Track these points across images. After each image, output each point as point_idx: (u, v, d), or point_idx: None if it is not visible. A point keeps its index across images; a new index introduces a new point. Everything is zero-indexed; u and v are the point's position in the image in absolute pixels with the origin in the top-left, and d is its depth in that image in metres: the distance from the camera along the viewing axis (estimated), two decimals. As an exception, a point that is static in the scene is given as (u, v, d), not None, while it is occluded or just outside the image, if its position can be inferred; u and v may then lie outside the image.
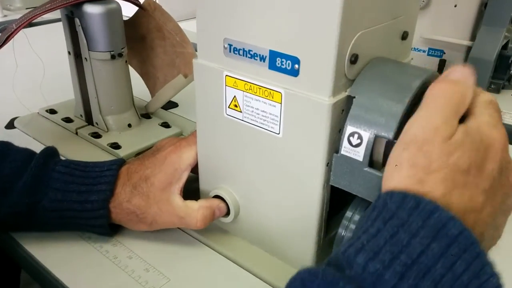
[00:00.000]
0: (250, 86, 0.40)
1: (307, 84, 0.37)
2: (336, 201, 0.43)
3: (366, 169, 0.36)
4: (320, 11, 0.34)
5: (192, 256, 0.47)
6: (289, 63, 0.37)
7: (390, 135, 0.35)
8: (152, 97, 0.77)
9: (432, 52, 0.95)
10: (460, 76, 0.33)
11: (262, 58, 0.39)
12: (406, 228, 0.27)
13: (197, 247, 0.49)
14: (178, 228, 0.50)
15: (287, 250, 0.46)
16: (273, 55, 0.38)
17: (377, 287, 0.26)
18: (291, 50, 0.37)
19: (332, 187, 0.40)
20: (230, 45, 0.40)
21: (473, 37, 0.89)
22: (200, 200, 0.47)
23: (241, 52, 0.40)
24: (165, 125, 0.72)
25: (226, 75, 0.42)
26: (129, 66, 0.73)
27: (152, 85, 0.78)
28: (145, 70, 0.78)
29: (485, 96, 0.33)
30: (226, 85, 0.42)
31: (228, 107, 0.43)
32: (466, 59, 0.89)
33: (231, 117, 0.43)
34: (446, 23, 0.92)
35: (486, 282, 0.27)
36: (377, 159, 0.37)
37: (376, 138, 0.36)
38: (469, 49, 0.88)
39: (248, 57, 0.40)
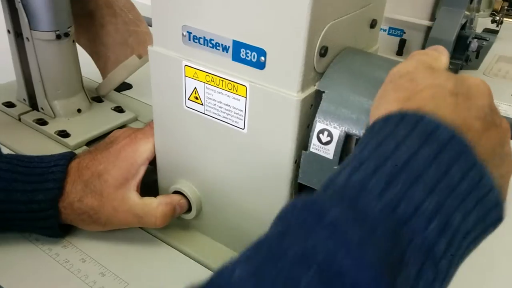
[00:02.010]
0: (212, 77, 0.37)
1: (274, 77, 0.34)
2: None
3: (336, 167, 0.35)
4: (288, 0, 0.31)
5: (151, 256, 0.44)
6: (254, 55, 0.34)
7: (361, 132, 0.33)
8: (103, 78, 0.72)
9: (392, 32, 0.94)
10: (435, 51, 0.32)
11: (225, 49, 0.36)
12: (392, 138, 0.25)
13: (157, 246, 0.46)
14: (135, 225, 0.47)
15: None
16: (237, 46, 0.35)
17: (360, 196, 0.24)
18: (257, 42, 0.34)
19: (300, 183, 0.38)
20: (190, 33, 0.37)
21: (433, 17, 0.89)
22: (159, 197, 0.44)
23: (201, 41, 0.37)
24: (119, 109, 0.68)
25: (186, 65, 0.38)
26: (77, 44, 0.67)
27: (103, 65, 0.73)
28: (95, 49, 0.72)
29: None
30: (185, 76, 0.39)
31: (188, 99, 0.40)
32: (426, 39, 0.89)
33: (192, 110, 0.40)
34: (406, 2, 0.91)
35: (487, 196, 0.24)
36: (347, 156, 0.36)
37: (347, 135, 0.34)
38: (429, 29, 0.88)
39: (210, 47, 0.36)
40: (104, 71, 0.73)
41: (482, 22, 1.16)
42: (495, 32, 1.11)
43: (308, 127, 0.36)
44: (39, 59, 0.60)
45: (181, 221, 0.47)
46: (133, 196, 0.43)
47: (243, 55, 0.35)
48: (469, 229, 0.24)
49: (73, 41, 0.62)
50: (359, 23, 0.39)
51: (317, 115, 0.34)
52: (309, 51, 0.33)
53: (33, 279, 0.41)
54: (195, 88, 0.39)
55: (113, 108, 0.68)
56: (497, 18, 1.15)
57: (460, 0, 0.83)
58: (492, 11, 1.28)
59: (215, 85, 0.37)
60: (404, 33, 0.93)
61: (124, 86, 0.76)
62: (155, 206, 0.42)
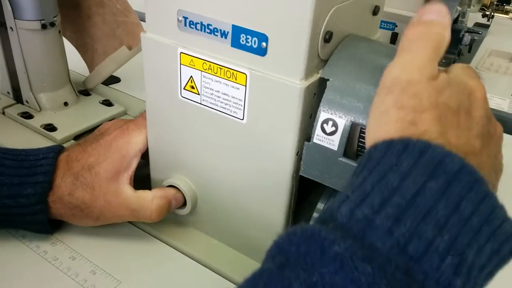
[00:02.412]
0: (210, 65, 0.35)
1: (276, 65, 0.33)
2: (303, 187, 0.40)
3: (341, 159, 0.33)
4: (293, -19, 0.29)
5: (144, 254, 0.43)
6: (255, 41, 0.33)
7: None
8: (90, 71, 0.70)
9: (384, 25, 0.93)
10: (434, 17, 0.29)
11: (224, 34, 0.34)
12: (395, 170, 0.23)
13: (150, 242, 0.44)
14: (127, 221, 0.45)
15: (250, 243, 0.42)
16: (237, 31, 0.33)
17: (367, 233, 0.22)
18: (258, 26, 0.32)
19: (302, 177, 0.37)
20: (186, 18, 0.35)
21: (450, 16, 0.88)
22: (154, 190, 0.42)
23: (198, 26, 0.35)
24: (107, 103, 0.65)
25: (181, 52, 0.36)
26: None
27: (90, 58, 0.71)
28: (81, 41, 0.70)
29: (458, 64, 0.31)
30: (181, 64, 0.37)
31: (184, 88, 0.38)
32: (418, 33, 0.88)
33: (187, 100, 0.38)
34: (398, -5, 0.90)
35: (499, 229, 0.23)
36: (352, 148, 0.34)
37: (353, 125, 0.32)
38: (421, 22, 0.87)
39: (207, 33, 0.35)
40: (91, 65, 0.71)
41: (472, 17, 1.16)
42: (486, 26, 1.11)
43: (311, 117, 0.35)
44: (24, 50, 0.57)
45: (175, 216, 0.45)
46: (127, 189, 0.41)
47: (243, 41, 0.33)
48: (484, 263, 0.23)
49: (59, 31, 0.60)
50: (363, 9, 0.37)
51: (321, 104, 0.33)
52: (314, 36, 0.31)
53: (20, 278, 0.39)
54: (191, 77, 0.37)
55: (101, 101, 0.65)
56: (488, 12, 1.15)
57: (454, -8, 0.83)
58: (482, 6, 1.28)
59: (213, 73, 0.35)
60: (396, 26, 0.92)
61: (112, 80, 0.74)
62: (150, 199, 0.41)
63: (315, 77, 0.33)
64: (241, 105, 0.35)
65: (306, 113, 0.34)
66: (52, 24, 0.57)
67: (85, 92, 0.67)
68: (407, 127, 0.25)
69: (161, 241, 0.44)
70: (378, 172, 0.24)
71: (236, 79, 0.35)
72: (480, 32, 0.89)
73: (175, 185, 0.43)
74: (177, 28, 0.36)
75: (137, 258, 0.42)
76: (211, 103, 0.37)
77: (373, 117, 0.28)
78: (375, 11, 0.39)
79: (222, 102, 0.36)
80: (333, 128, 0.33)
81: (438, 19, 0.28)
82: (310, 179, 0.35)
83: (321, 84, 0.34)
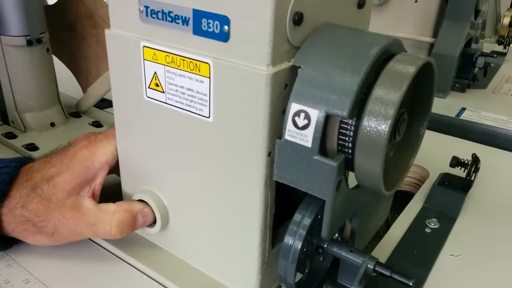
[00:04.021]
0: (173, 57, 0.32)
1: (239, 50, 0.29)
2: (286, 204, 0.35)
3: (316, 157, 0.29)
4: (252, -48, 0.26)
5: (108, 277, 0.38)
6: (217, 25, 0.29)
7: (344, 112, 0.27)
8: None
9: (393, 51, 0.90)
10: None
11: (185, 21, 0.31)
12: None
13: (115, 264, 0.39)
14: (90, 240, 0.40)
15: (226, 265, 0.37)
16: (198, 15, 0.30)
17: None
18: (219, 8, 0.29)
19: (279, 185, 0.32)
20: (147, 8, 0.32)
21: (435, 34, 0.85)
22: (118, 203, 0.38)
23: (159, 15, 0.32)
24: (97, 124, 0.63)
25: (144, 46, 0.33)
26: (55, 58, 0.64)
27: (84, 81, 0.69)
28: (76, 63, 0.68)
29: None
30: (144, 59, 0.34)
31: (149, 87, 0.34)
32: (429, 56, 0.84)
33: (153, 100, 0.35)
34: (407, 19, 0.87)
35: None
36: (330, 145, 0.30)
37: (328, 117, 0.28)
38: (431, 46, 0.83)
39: (169, 21, 0.31)
40: (85, 87, 0.69)
41: (489, 47, 1.11)
42: (503, 54, 1.06)
43: (284, 113, 0.30)
44: (9, 67, 0.56)
45: (144, 236, 0.40)
46: (87, 203, 0.37)
47: (204, 27, 0.30)
48: None
49: (48, 49, 0.58)
50: (343, -3, 0.34)
51: (291, 94, 0.29)
52: (279, 16, 0.27)
53: (-36, 301, 0.35)
54: (155, 73, 0.34)
55: (90, 123, 0.63)
56: (504, 40, 1.10)
57: (464, 13, 0.79)
58: (499, 37, 1.25)
59: (176, 66, 0.32)
60: (406, 51, 0.89)
61: (108, 104, 0.72)
62: (111, 212, 0.36)
63: (285, 65, 0.29)
64: (206, 101, 0.32)
65: (277, 107, 0.30)
66: (39, 41, 0.56)
67: (76, 114, 0.65)
68: None
69: (129, 264, 0.39)
70: None
71: (199, 71, 0.31)
72: (495, 56, 0.84)
73: (144, 199, 0.39)
74: (139, 20, 0.33)
75: (100, 282, 0.37)
76: (176, 101, 0.33)
77: None
78: (360, 3, 0.36)
79: (187, 99, 0.33)
80: (306, 121, 0.28)
81: None
82: (296, 193, 0.31)
83: (294, 74, 0.30)
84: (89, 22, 0.64)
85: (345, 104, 0.27)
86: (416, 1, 0.86)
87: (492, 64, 0.97)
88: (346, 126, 0.29)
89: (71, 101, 0.69)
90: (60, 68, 0.67)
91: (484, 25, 1.01)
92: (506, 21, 1.21)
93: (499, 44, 1.11)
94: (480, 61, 0.81)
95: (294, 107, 0.29)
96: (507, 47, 1.08)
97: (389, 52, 0.30)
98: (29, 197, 0.36)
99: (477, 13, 0.83)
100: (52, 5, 0.64)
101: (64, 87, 0.67)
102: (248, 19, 0.28)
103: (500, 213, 0.50)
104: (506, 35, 1.20)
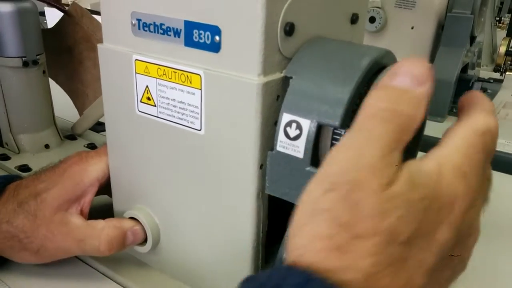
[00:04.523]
0: (164, 70, 0.32)
1: (231, 60, 0.29)
2: (283, 220, 0.34)
3: (308, 168, 0.28)
4: (242, -38, 0.26)
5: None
6: (208, 35, 0.29)
7: (336, 121, 0.27)
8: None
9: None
10: (409, 82, 0.22)
11: (177, 33, 0.31)
12: None
13: (103, 284, 0.38)
14: (78, 258, 0.39)
15: (217, 284, 0.36)
16: (189, 26, 0.30)
17: None
18: (210, 18, 0.29)
19: (273, 199, 0.31)
20: (139, 21, 0.32)
21: (431, 60, 0.85)
22: (107, 219, 0.37)
23: (151, 28, 0.32)
24: (92, 146, 0.62)
25: (136, 60, 0.33)
26: (52, 81, 0.64)
27: (81, 104, 0.69)
28: (73, 87, 0.68)
29: (478, 120, 0.22)
30: (136, 73, 0.33)
31: (141, 101, 0.34)
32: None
33: (145, 114, 0.34)
34: (403, 45, 0.88)
35: None
36: (323, 156, 0.29)
37: (320, 127, 0.28)
38: (428, 71, 0.84)
39: (161, 33, 0.31)
40: (81, 110, 0.69)
41: (485, 75, 1.12)
42: (500, 81, 1.07)
43: (276, 124, 0.30)
44: (4, 88, 0.56)
45: (135, 255, 0.39)
46: (75, 219, 0.36)
47: (196, 38, 0.30)
48: None
49: (44, 71, 0.58)
50: (336, 11, 0.34)
51: (283, 104, 0.28)
52: (270, 25, 0.27)
53: None
54: (147, 86, 0.33)
55: (85, 145, 0.62)
56: (501, 68, 1.11)
57: (460, 39, 0.80)
58: (496, 65, 1.26)
59: (168, 79, 0.32)
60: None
61: (104, 127, 0.71)
62: (100, 228, 0.35)
63: (277, 76, 0.29)
64: (198, 113, 0.31)
65: (269, 118, 0.29)
66: (35, 62, 0.56)
67: (71, 137, 0.65)
68: (331, 252, 0.20)
69: (117, 283, 0.38)
70: None
71: (191, 83, 0.31)
72: (491, 81, 0.85)
73: (135, 217, 0.38)
74: (131, 33, 0.33)
75: (87, 302, 0.36)
76: (168, 115, 0.33)
77: (303, 209, 0.21)
78: (353, 19, 0.36)
79: (178, 112, 0.32)
80: (297, 132, 0.28)
81: (413, 88, 0.22)
82: (291, 208, 0.30)
83: (286, 85, 0.29)
84: (87, 46, 0.65)
85: (337, 113, 0.27)
86: (412, 28, 0.87)
87: (489, 91, 0.97)
88: (338, 137, 0.28)
89: (67, 124, 0.69)
90: (57, 91, 0.67)
91: (480, 53, 1.02)
92: (502, 49, 1.22)
93: (495, 72, 1.12)
94: (477, 86, 0.82)
95: (285, 117, 0.28)
96: (504, 74, 1.08)
97: (381, 63, 0.30)
98: (15, 212, 0.35)
99: (472, 39, 0.84)
100: (50, 28, 0.64)
101: (60, 110, 0.67)
102: (239, 29, 0.28)
103: (498, 236, 0.48)
104: (502, 63, 1.21)
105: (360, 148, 0.21)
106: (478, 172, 0.21)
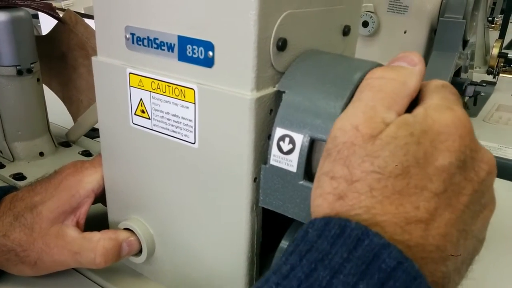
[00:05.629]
0: (158, 84, 0.32)
1: (224, 76, 0.29)
2: (276, 231, 0.34)
3: (301, 182, 0.28)
4: (235, -21, 0.27)
5: (91, 308, 0.37)
6: (201, 51, 0.29)
7: (328, 136, 0.27)
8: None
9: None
10: (404, 64, 0.26)
11: (170, 48, 0.31)
12: (327, 263, 0.20)
13: (100, 296, 0.38)
14: (75, 270, 0.39)
15: (213, 295, 0.36)
16: (183, 42, 0.30)
17: None
18: (203, 34, 0.29)
19: (267, 211, 0.31)
20: (133, 35, 0.32)
21: (425, 63, 0.86)
22: (103, 231, 0.37)
23: (145, 42, 0.32)
24: (86, 153, 0.62)
25: (130, 73, 0.33)
26: (47, 88, 0.64)
27: (75, 111, 0.69)
28: (67, 93, 0.69)
29: (437, 81, 0.26)
30: (130, 86, 0.34)
31: (135, 113, 0.34)
32: (419, 85, 0.85)
33: (139, 127, 0.35)
34: (396, 49, 0.88)
35: None
36: (316, 170, 0.29)
37: (313, 141, 0.28)
38: (421, 75, 0.84)
39: (154, 48, 0.32)
40: (76, 117, 0.69)
41: (478, 77, 1.13)
42: (493, 83, 1.08)
43: (269, 138, 0.30)
44: (-2, 97, 0.56)
45: (130, 265, 0.39)
46: (71, 232, 0.36)
47: (189, 53, 0.30)
48: None
49: (38, 79, 0.58)
50: (328, 24, 0.34)
51: (276, 118, 0.29)
52: (262, 41, 0.28)
53: None
54: (141, 99, 0.34)
55: (80, 152, 0.63)
56: (494, 70, 1.12)
57: (452, 43, 0.81)
58: (488, 67, 1.27)
59: (162, 92, 0.32)
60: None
61: (98, 133, 0.72)
62: (96, 240, 0.36)
63: (270, 90, 0.29)
64: (192, 127, 0.31)
65: (262, 132, 0.30)
66: (29, 71, 0.56)
67: (66, 144, 0.65)
68: (335, 201, 0.23)
69: (113, 294, 0.38)
70: (308, 262, 0.21)
71: (185, 97, 0.31)
72: (484, 85, 0.86)
73: (130, 228, 0.38)
74: (125, 47, 0.33)
75: (83, 313, 0.36)
76: (162, 127, 0.33)
77: (315, 183, 0.25)
78: (345, 31, 0.36)
79: (172, 125, 0.32)
80: (291, 146, 0.28)
81: (406, 66, 0.26)
82: (286, 220, 0.30)
83: (279, 99, 0.30)
84: (81, 53, 0.65)
85: (329, 128, 0.27)
86: (405, 32, 0.87)
87: (482, 93, 0.98)
88: (331, 151, 0.29)
89: (61, 131, 0.69)
90: (51, 98, 0.67)
91: (473, 55, 1.03)
92: (495, 51, 1.23)
93: (488, 74, 1.13)
94: (470, 90, 0.82)
95: (278, 131, 0.29)
96: (497, 76, 1.09)
97: (373, 77, 0.30)
98: (11, 226, 0.35)
99: (465, 43, 0.85)
100: (44, 35, 0.64)
101: (54, 117, 0.67)
102: (232, 45, 0.28)
103: (493, 241, 0.49)
104: (495, 65, 1.22)
105: (347, 115, 0.24)
106: (460, 107, 0.24)
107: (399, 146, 0.22)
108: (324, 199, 0.23)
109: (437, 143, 0.22)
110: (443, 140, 0.22)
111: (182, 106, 0.31)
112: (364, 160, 0.22)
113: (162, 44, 0.31)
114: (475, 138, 0.24)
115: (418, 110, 0.24)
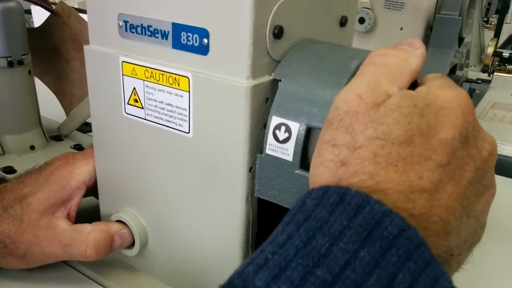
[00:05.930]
0: (152, 72, 0.31)
1: (219, 63, 0.28)
2: (272, 222, 0.34)
3: (297, 171, 0.28)
4: (231, -36, 0.26)
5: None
6: (196, 38, 0.29)
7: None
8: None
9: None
10: (406, 47, 0.26)
11: (164, 35, 0.30)
12: (326, 231, 0.19)
13: (91, 289, 0.37)
14: (64, 262, 0.38)
15: (207, 287, 0.36)
16: (177, 29, 0.29)
17: None
18: (198, 21, 0.28)
19: (263, 202, 0.31)
20: (126, 22, 0.32)
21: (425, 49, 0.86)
22: (94, 223, 0.36)
23: (139, 29, 0.31)
24: (78, 147, 0.61)
25: (123, 61, 0.33)
26: (38, 81, 0.63)
27: (68, 104, 0.68)
28: (60, 87, 0.67)
29: (434, 74, 0.26)
30: (123, 75, 0.33)
31: (127, 103, 0.34)
32: (414, 82, 0.85)
33: (132, 116, 0.34)
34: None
35: None
36: (311, 159, 0.29)
37: (309, 130, 0.27)
38: (416, 72, 0.84)
39: (148, 35, 0.31)
40: (68, 110, 0.68)
41: (474, 75, 1.13)
42: (488, 81, 1.08)
43: (265, 127, 0.30)
44: (-11, 89, 0.55)
45: (123, 259, 0.39)
46: (61, 224, 0.35)
47: (184, 40, 0.29)
48: None
49: (29, 71, 0.57)
50: (325, 14, 0.33)
51: (272, 107, 0.28)
52: (258, 28, 0.27)
53: None
54: (134, 88, 0.33)
55: (72, 146, 0.62)
56: (489, 68, 1.12)
57: (448, 41, 0.80)
58: (484, 66, 1.27)
59: (155, 81, 0.31)
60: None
61: (91, 127, 0.71)
62: (87, 232, 0.35)
63: (266, 78, 0.29)
64: (186, 116, 0.31)
65: (258, 121, 0.29)
66: (20, 63, 0.55)
67: (57, 138, 0.64)
68: (337, 168, 0.22)
69: (104, 287, 0.37)
70: (306, 230, 0.20)
71: (179, 85, 0.30)
72: (479, 82, 0.85)
73: (122, 220, 0.37)
74: (118, 35, 0.32)
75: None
76: (155, 117, 0.32)
77: (315, 153, 0.24)
78: (342, 21, 0.36)
79: (166, 115, 0.32)
80: (286, 134, 0.28)
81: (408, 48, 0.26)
82: (282, 212, 0.30)
83: (275, 87, 0.29)
84: (74, 45, 0.64)
85: (326, 116, 0.27)
86: (401, 29, 0.87)
87: (477, 91, 0.98)
88: (328, 140, 0.28)
89: (53, 125, 0.68)
90: (43, 91, 0.66)
91: (468, 54, 1.03)
92: (490, 50, 1.23)
93: (483, 72, 1.13)
94: (465, 87, 0.82)
95: (274, 120, 0.28)
96: (492, 74, 1.09)
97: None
98: (0, 218, 0.35)
99: (461, 40, 0.84)
100: (37, 27, 0.63)
101: (46, 110, 0.66)
102: (227, 32, 0.28)
103: (490, 236, 0.49)
104: (490, 64, 1.22)
105: (350, 86, 0.24)
106: (459, 88, 0.24)
107: (404, 114, 0.22)
108: (325, 167, 0.23)
109: (440, 117, 0.22)
110: (446, 115, 0.22)
111: (176, 94, 0.31)
112: (368, 126, 0.22)
113: (156, 31, 0.30)
114: (476, 119, 0.23)
115: (421, 88, 0.24)
